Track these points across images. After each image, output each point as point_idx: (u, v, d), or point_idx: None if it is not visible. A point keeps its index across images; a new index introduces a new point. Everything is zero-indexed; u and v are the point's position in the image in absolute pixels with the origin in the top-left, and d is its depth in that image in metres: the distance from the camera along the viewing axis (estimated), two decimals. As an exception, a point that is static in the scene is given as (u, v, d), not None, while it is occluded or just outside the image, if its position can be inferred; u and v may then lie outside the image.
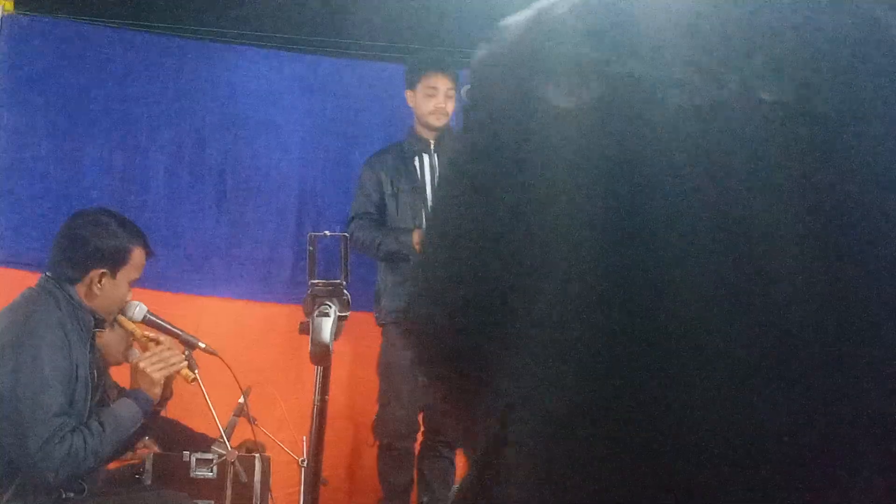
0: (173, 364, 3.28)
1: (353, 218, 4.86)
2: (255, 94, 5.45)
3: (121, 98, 5.24)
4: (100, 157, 5.18)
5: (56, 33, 5.18)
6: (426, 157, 4.85)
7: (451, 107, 4.82)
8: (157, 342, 3.34)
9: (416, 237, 4.61)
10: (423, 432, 4.78)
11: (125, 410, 3.16)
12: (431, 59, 5.02)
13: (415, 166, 4.84)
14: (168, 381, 3.34)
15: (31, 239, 4.81)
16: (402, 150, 4.89)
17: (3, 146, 5.00)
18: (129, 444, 3.42)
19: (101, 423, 3.07)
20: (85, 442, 3.01)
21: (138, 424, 3.21)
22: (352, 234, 4.73)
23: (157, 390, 3.26)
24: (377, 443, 4.79)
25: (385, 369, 4.78)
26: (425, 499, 4.74)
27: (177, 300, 5.05)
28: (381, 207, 4.84)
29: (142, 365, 3.24)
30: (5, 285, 4.28)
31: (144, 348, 3.37)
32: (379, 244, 4.72)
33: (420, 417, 4.80)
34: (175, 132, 5.32)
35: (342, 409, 5.19)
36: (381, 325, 4.81)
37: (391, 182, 4.82)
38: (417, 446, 4.83)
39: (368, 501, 5.27)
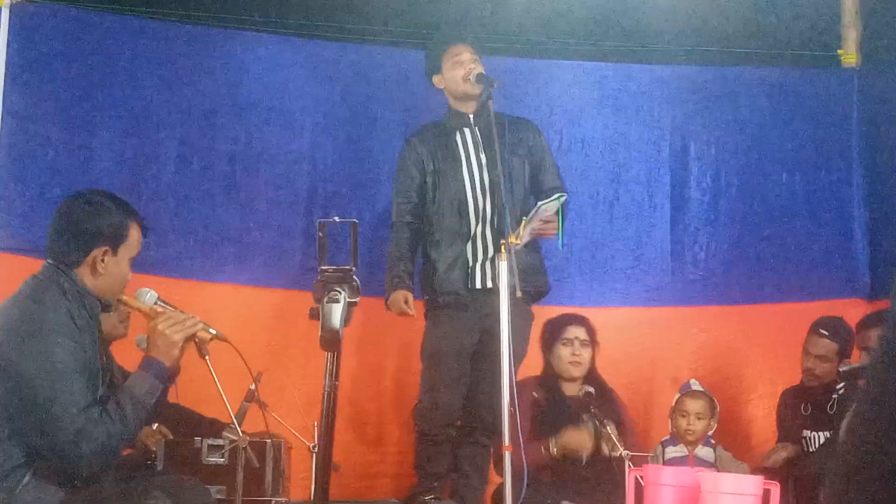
0: (190, 326, 3.25)
1: (392, 224, 4.78)
2: (264, 81, 5.45)
3: (130, 85, 5.24)
4: (109, 144, 5.18)
5: (64, 21, 5.18)
6: (467, 132, 4.76)
7: (479, 69, 4.69)
8: (166, 310, 3.31)
9: (395, 297, 4.57)
10: (463, 418, 4.69)
11: (141, 385, 3.13)
12: (449, 33, 4.96)
13: (456, 142, 4.75)
14: (181, 350, 3.29)
15: (40, 227, 4.79)
16: (442, 127, 4.81)
17: (11, 133, 5.00)
18: (153, 413, 3.40)
19: (120, 407, 3.07)
20: (110, 434, 3.01)
21: (158, 393, 3.18)
22: (390, 241, 4.76)
23: (176, 352, 3.19)
24: (416, 429, 4.70)
25: (432, 355, 4.66)
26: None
27: (187, 286, 5.06)
28: (422, 190, 4.74)
29: (160, 327, 3.18)
30: (15, 272, 4.28)
31: (155, 318, 3.32)
32: (389, 268, 4.68)
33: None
34: (185, 119, 5.32)
35: (353, 395, 5.20)
36: (433, 309, 4.70)
37: (432, 159, 4.74)
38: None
39: (380, 486, 5.28)
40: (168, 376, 3.22)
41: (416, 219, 4.75)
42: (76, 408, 2.98)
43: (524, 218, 4.35)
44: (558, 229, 4.51)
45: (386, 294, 4.64)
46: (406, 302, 4.58)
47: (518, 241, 4.25)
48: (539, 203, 4.37)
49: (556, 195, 4.43)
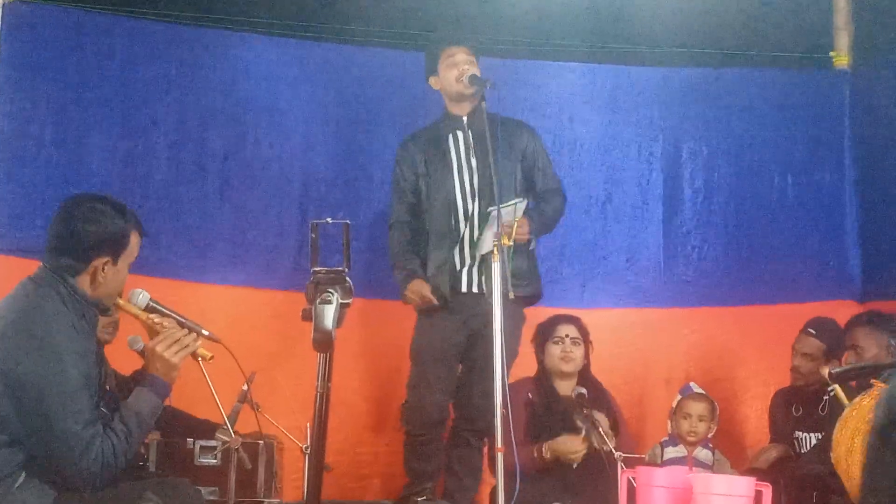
0: (188, 345, 3.27)
1: (391, 224, 4.79)
2: (257, 81, 5.45)
3: (123, 85, 5.24)
4: (102, 145, 5.18)
5: (58, 21, 5.18)
6: (460, 134, 4.75)
7: (474, 70, 4.67)
8: (163, 326, 3.31)
9: (413, 286, 4.58)
10: (453, 420, 4.70)
11: (145, 404, 3.15)
12: (445, 35, 4.96)
13: (448, 145, 4.75)
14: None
15: (34, 227, 4.81)
16: (436, 130, 4.82)
17: (5, 133, 5.00)
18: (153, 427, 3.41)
19: (125, 423, 3.07)
20: (114, 451, 3.02)
21: (159, 412, 3.21)
22: (390, 240, 4.77)
23: (175, 374, 3.23)
24: (404, 429, 4.69)
25: (419, 354, 4.67)
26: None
27: (180, 287, 5.06)
28: (417, 192, 4.76)
29: (159, 349, 3.20)
30: (8, 273, 4.28)
31: (153, 333, 3.33)
32: (393, 265, 4.71)
33: (450, 406, 4.70)
34: (178, 119, 5.32)
35: (345, 396, 5.20)
36: (421, 309, 4.68)
37: (425, 162, 4.74)
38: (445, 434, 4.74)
39: (372, 487, 5.29)
40: (169, 392, 3.25)
41: (415, 218, 4.77)
42: (82, 424, 2.97)
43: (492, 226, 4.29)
44: (528, 234, 4.53)
45: (401, 287, 4.63)
46: (424, 289, 4.57)
47: (509, 243, 4.25)
48: (490, 209, 4.27)
49: (514, 200, 4.38)
